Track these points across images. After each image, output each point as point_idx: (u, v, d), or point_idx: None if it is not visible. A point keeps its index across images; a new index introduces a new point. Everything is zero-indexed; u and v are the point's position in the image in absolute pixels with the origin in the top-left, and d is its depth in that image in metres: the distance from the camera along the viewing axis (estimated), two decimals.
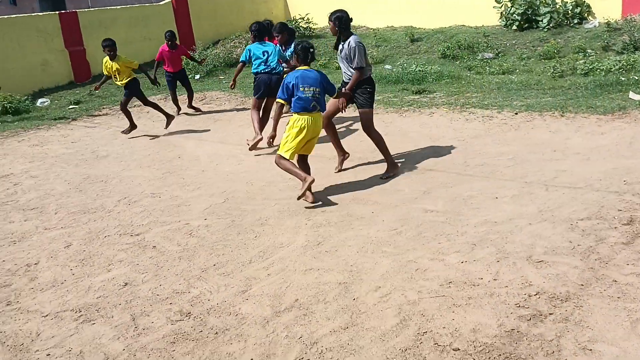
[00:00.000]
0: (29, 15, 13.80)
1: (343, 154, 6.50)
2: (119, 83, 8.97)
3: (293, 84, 5.43)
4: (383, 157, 6.21)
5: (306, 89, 5.41)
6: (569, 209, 4.73)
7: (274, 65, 7.67)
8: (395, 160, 6.46)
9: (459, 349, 3.10)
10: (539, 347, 3.05)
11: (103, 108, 11.81)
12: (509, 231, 4.46)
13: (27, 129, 10.27)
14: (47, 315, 3.81)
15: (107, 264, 4.55)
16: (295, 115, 5.48)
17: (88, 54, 14.47)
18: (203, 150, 7.96)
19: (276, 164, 5.57)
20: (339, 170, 6.43)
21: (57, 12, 14.15)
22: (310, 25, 17.08)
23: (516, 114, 8.12)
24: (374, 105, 6.30)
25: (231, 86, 8.45)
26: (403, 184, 5.80)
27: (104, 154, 8.22)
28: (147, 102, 9.31)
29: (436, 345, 3.16)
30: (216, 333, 3.46)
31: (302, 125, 5.42)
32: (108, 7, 15.72)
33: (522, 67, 11.40)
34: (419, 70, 11.29)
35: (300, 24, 16.94)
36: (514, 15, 13.61)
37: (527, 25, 13.48)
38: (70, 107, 11.99)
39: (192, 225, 5.24)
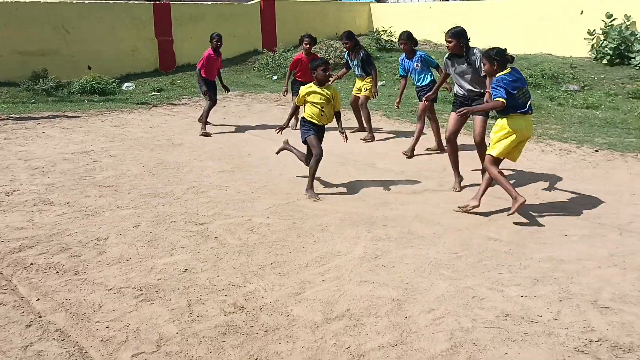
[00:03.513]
0: (125, 2, 14.48)
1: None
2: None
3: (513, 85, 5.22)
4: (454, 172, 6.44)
5: (520, 90, 5.25)
6: None
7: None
8: (462, 185, 6.39)
9: None
10: None
11: (182, 98, 12.26)
12: (576, 272, 4.29)
13: (111, 110, 10.81)
14: (110, 289, 3.99)
15: (170, 249, 4.71)
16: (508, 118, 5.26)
17: (175, 45, 15.05)
18: (272, 150, 8.08)
19: (487, 167, 5.39)
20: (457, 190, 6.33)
21: (152, 2, 14.80)
22: (392, 38, 17.07)
23: (596, 151, 7.81)
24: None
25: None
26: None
27: (179, 142, 8.51)
28: None
29: None
30: (266, 330, 3.51)
31: (517, 127, 5.24)
32: (199, 2, 16.28)
33: (608, 103, 10.95)
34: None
35: (382, 37, 16.96)
36: (606, 49, 13.11)
37: (618, 60, 12.95)
38: (153, 93, 12.52)
39: (254, 221, 5.35)
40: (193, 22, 15.45)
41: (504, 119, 5.27)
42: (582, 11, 14.19)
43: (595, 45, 13.64)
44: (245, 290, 4.02)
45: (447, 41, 6.21)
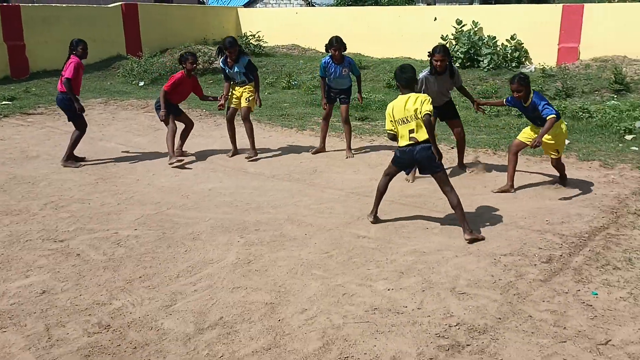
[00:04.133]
0: None
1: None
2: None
3: None
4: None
5: None
6: (494, 244, 4.91)
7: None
8: (330, 185, 6.56)
9: None
10: None
11: (38, 107, 11.40)
12: (436, 262, 4.58)
13: None
14: None
15: (25, 270, 4.37)
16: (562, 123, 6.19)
17: (28, 50, 13.99)
18: (140, 159, 7.79)
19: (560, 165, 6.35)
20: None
21: None
22: (261, 43, 17.15)
23: (452, 148, 8.38)
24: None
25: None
26: (339, 208, 5.87)
27: (34, 154, 7.92)
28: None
29: None
30: (134, 348, 3.36)
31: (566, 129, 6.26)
32: (53, 5, 15.24)
33: (461, 103, 11.78)
34: (364, 98, 11.49)
35: (250, 41, 16.98)
36: (458, 53, 14.13)
37: (469, 63, 14.01)
38: (3, 103, 11.51)
39: (120, 234, 5.11)
40: (47, 26, 14.44)
41: (558, 125, 6.05)
42: (435, 18, 15.21)
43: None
44: (112, 308, 3.83)
45: (440, 60, 6.47)
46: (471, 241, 4.93)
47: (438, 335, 3.53)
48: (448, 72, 6.67)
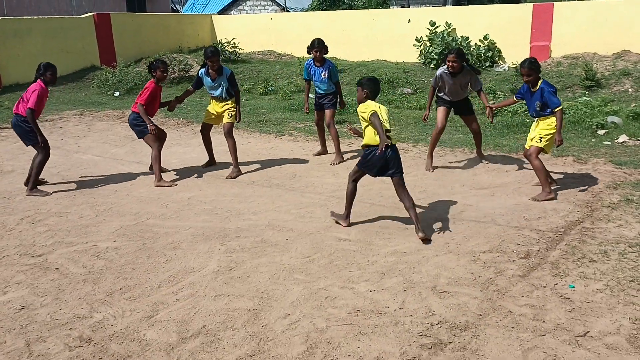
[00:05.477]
0: None
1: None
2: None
3: None
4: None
5: None
6: (473, 242, 4.97)
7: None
8: (310, 189, 6.58)
9: None
10: None
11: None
12: (417, 262, 4.63)
13: None
14: None
15: (3, 286, 4.31)
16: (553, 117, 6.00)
17: (0, 64, 13.78)
18: (117, 170, 7.74)
19: (533, 158, 6.00)
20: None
21: None
22: (237, 49, 17.14)
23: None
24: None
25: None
26: (319, 212, 5.89)
27: (9, 169, 7.82)
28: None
29: None
30: None
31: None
32: (24, 17, 15.05)
33: (437, 104, 11.92)
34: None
35: (226, 48, 16.95)
36: (432, 54, 14.28)
37: (443, 64, 14.15)
38: None
39: (100, 247, 5.07)
40: (19, 38, 14.26)
41: (552, 118, 5.97)
42: (409, 20, 15.35)
43: (423, 51, 14.80)
44: (93, 321, 3.79)
45: (453, 62, 6.97)
46: (424, 240, 5.01)
47: (420, 334, 3.56)
48: (462, 73, 7.08)
